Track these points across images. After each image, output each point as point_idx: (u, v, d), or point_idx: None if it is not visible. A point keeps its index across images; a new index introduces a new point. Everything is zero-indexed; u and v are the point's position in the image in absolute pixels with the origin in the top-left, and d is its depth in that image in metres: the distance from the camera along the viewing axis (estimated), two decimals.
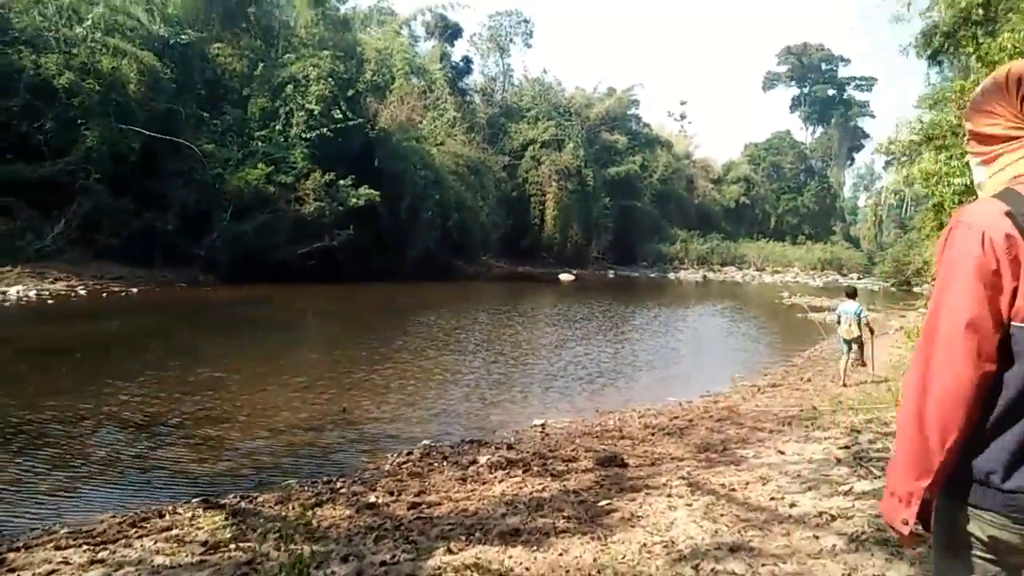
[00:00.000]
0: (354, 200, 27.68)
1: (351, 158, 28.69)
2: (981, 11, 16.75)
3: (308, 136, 27.98)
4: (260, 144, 27.61)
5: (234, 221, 24.68)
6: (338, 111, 28.89)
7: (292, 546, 3.81)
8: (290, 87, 28.78)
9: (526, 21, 53.09)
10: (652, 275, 47.11)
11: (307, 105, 28.46)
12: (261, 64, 29.64)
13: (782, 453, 5.76)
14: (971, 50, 18.44)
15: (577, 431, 7.75)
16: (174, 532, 4.49)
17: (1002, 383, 1.38)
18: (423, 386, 10.16)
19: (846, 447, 5.63)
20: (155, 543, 4.23)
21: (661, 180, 54.87)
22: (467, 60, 49.43)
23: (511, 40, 52.58)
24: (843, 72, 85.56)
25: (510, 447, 6.91)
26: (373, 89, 33.53)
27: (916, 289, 37.08)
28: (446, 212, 33.24)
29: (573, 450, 6.58)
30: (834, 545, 3.56)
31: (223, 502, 5.26)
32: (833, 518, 3.99)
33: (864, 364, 10.80)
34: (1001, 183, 1.48)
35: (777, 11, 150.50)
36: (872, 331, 10.39)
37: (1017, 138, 1.50)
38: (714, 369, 12.92)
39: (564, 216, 44.39)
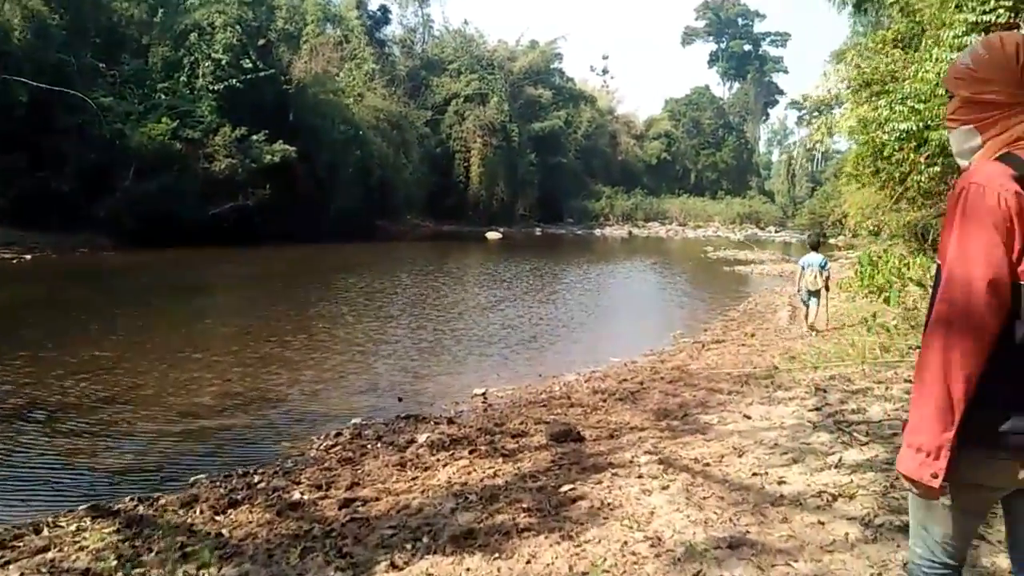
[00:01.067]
0: (269, 157, 26.11)
1: (264, 112, 26.94)
2: None
3: (216, 88, 26.09)
4: (164, 97, 25.58)
5: (138, 180, 22.82)
6: (248, 61, 27.04)
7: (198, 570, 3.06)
8: (194, 35, 26.70)
9: None
10: (578, 232, 46.91)
11: (214, 54, 26.51)
12: (161, 10, 27.29)
13: (748, 418, 5.31)
14: None
15: (522, 400, 7.15)
16: (50, 555, 3.64)
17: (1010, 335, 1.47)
18: (348, 357, 9.30)
19: (816, 409, 5.22)
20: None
21: (585, 136, 54.48)
22: (384, 9, 47.39)
23: None
24: (759, 27, 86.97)
25: (451, 421, 6.24)
26: (285, 38, 31.58)
27: (832, 240, 38.18)
28: (368, 169, 31.91)
29: (521, 423, 5.97)
30: (846, 534, 3.06)
31: (117, 507, 4.41)
32: (833, 497, 3.50)
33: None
34: (998, 148, 1.55)
35: None
36: (828, 287, 10.01)
37: (1014, 104, 1.55)
38: (653, 326, 12.60)
39: (490, 173, 43.45)
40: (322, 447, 5.68)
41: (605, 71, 72.42)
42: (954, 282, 1.46)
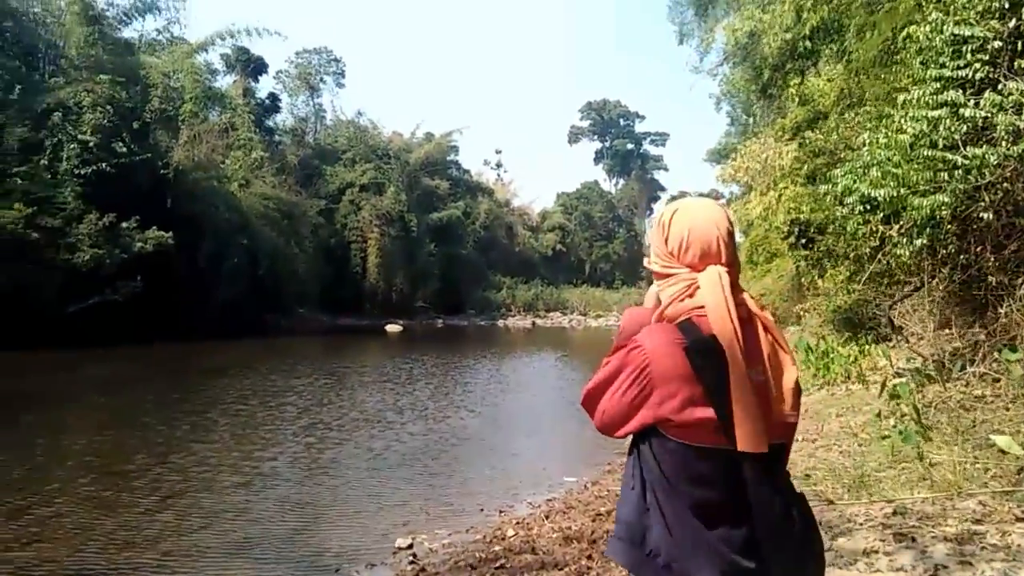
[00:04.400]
0: (141, 245, 23.43)
1: (139, 198, 24.32)
2: (808, 43, 17.06)
3: (82, 172, 23.37)
4: (19, 181, 22.55)
5: None
6: (120, 144, 24.61)
7: None
8: (58, 115, 24.06)
9: (336, 60, 50.62)
10: (481, 323, 45.51)
11: (80, 136, 23.90)
12: (19, 87, 24.55)
13: None
14: (793, 87, 18.96)
15: (468, 557, 5.18)
16: None
17: None
18: (217, 492, 7.08)
19: None
20: None
21: (483, 227, 53.98)
22: (274, 97, 45.88)
23: (322, 79, 49.75)
24: (639, 127, 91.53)
25: None
26: (163, 120, 29.27)
27: None
28: (256, 260, 29.48)
29: None
30: None
31: None
32: None
33: None
34: (672, 315, 1.62)
35: (582, 65, 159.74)
36: None
37: (667, 276, 1.68)
38: (597, 434, 10.88)
39: (388, 264, 41.66)
40: None
41: (499, 164, 73.38)
42: None
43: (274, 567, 5.19)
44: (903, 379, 8.83)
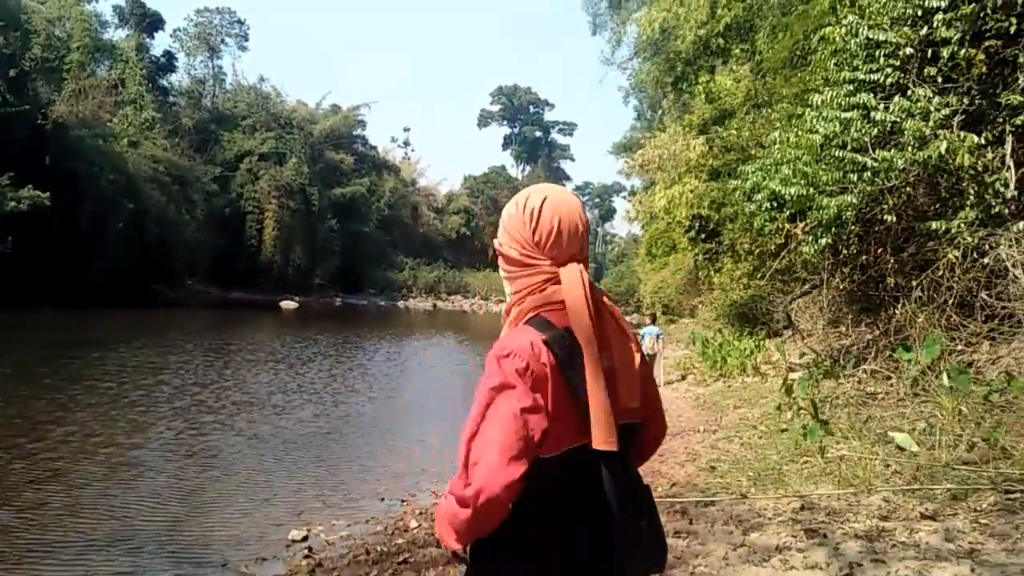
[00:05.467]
0: (13, 204, 21.42)
1: (13, 153, 22.19)
2: (721, 40, 17.43)
3: None
4: None
5: None
6: None
7: None
8: None
9: (240, 22, 48.16)
10: (381, 303, 44.62)
11: None
12: None
13: None
14: (702, 84, 19.38)
15: (369, 551, 4.74)
16: None
17: None
18: (81, 480, 6.25)
19: None
20: None
21: (388, 205, 52.88)
22: (170, 56, 43.11)
23: (223, 40, 47.22)
24: (548, 116, 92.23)
25: None
26: (45, 71, 26.95)
27: (627, 319, 39.65)
28: (143, 226, 27.67)
29: None
30: None
31: None
32: None
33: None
34: (526, 310, 1.53)
35: (494, 50, 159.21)
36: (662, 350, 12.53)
37: (529, 265, 1.55)
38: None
39: (286, 237, 40.07)
40: None
41: (407, 143, 72.08)
42: None
43: (150, 560, 4.67)
44: (799, 374, 9.11)
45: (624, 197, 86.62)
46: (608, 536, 1.52)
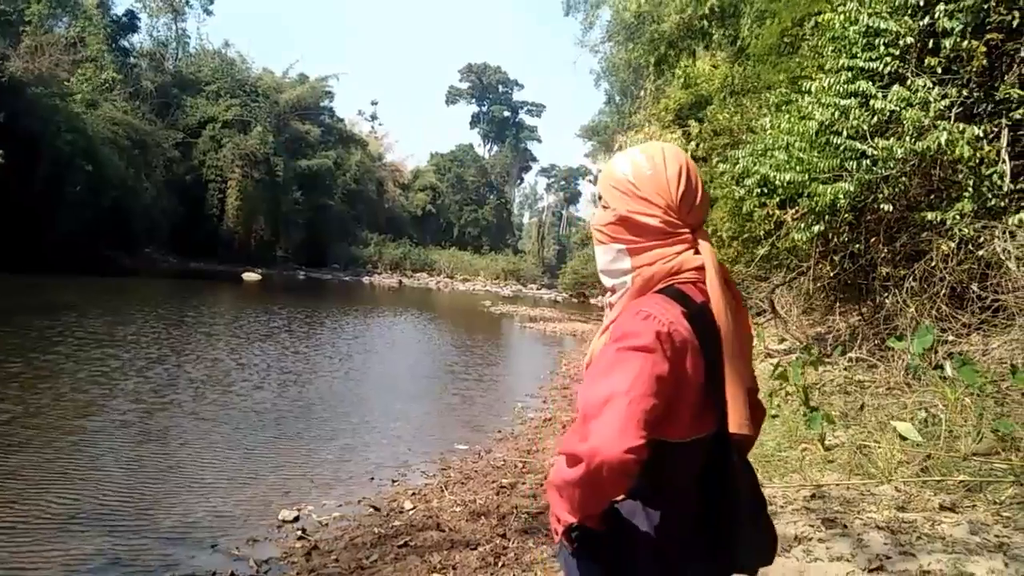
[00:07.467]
0: None
1: None
2: (705, 23, 17.38)
3: None
4: None
5: None
6: None
7: None
8: None
9: None
10: (346, 278, 43.91)
11: None
12: None
13: None
14: (680, 69, 19.33)
15: (365, 533, 4.60)
16: None
17: None
18: (38, 457, 5.77)
19: (875, 570, 3.64)
20: None
21: (354, 179, 51.97)
22: (132, 15, 41.40)
23: (187, 2, 45.51)
24: (517, 96, 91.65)
25: None
26: (2, 24, 25.66)
27: (592, 301, 39.81)
28: (100, 190, 26.62)
29: None
30: None
31: None
32: None
33: None
34: (657, 279, 1.40)
35: (465, 27, 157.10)
36: None
37: (671, 234, 1.41)
38: (482, 401, 10.40)
39: (249, 207, 39.06)
40: None
41: (374, 116, 71.41)
42: None
43: (131, 539, 4.41)
44: (793, 359, 9.14)
45: (590, 181, 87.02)
46: (732, 529, 1.43)
